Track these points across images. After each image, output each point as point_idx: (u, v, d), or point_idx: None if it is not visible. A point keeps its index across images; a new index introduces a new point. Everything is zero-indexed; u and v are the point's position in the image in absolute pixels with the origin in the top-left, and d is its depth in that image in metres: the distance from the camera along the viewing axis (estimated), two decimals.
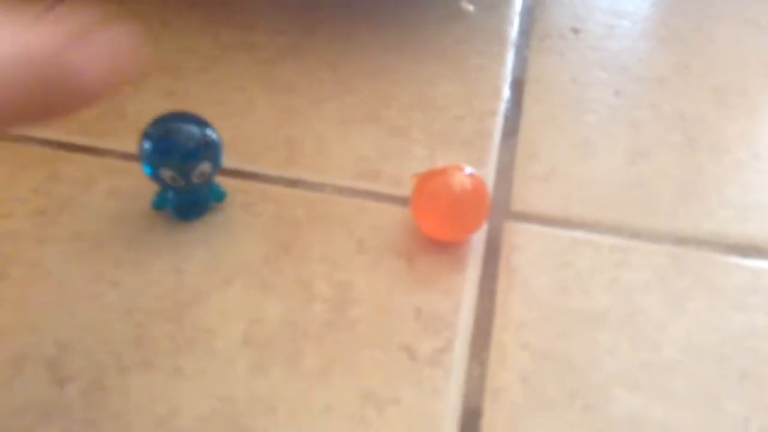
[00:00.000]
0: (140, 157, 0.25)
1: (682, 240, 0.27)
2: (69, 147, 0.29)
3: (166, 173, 0.24)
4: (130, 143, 0.29)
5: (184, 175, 0.24)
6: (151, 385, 0.22)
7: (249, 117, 0.31)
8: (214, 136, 0.25)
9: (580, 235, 0.27)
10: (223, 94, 0.32)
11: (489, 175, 0.29)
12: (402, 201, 0.28)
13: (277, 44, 0.35)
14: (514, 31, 0.37)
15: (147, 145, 0.24)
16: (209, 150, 0.25)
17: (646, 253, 0.26)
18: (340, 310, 0.24)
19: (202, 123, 0.25)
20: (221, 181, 0.27)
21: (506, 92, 0.33)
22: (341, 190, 0.28)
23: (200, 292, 0.24)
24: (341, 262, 0.26)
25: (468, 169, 0.25)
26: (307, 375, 0.22)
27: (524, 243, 0.26)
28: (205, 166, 0.25)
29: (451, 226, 0.26)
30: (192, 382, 0.22)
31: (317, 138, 0.30)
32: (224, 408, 0.21)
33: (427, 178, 0.25)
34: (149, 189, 0.26)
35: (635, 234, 0.27)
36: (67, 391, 0.22)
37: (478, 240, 0.26)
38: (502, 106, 0.32)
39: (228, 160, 0.27)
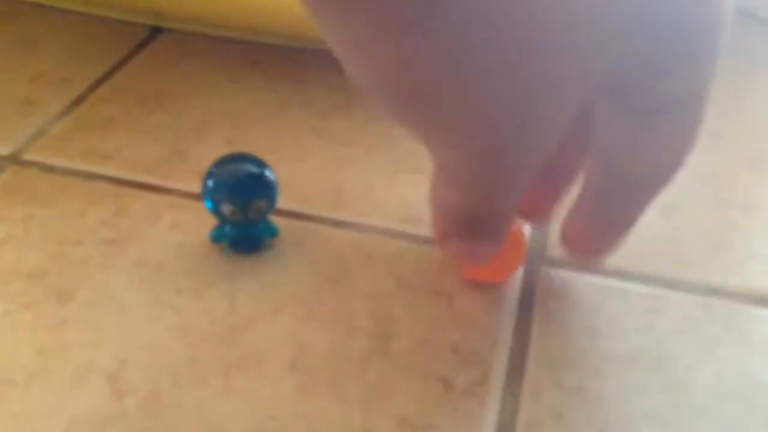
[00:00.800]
0: (203, 193, 0.27)
1: (712, 291, 0.28)
2: (136, 185, 0.32)
3: (227, 208, 0.27)
4: (192, 183, 0.32)
5: (242, 210, 0.27)
6: (204, 401, 0.23)
7: (302, 164, 0.33)
8: (271, 176, 0.27)
9: (612, 282, 0.28)
10: (280, 143, 0.34)
11: (526, 223, 0.30)
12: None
13: (331, 99, 0.37)
14: None
15: (210, 182, 0.27)
16: (266, 188, 0.27)
17: (677, 302, 0.27)
18: (381, 342, 0.25)
19: (261, 164, 0.27)
20: (275, 220, 0.29)
21: None
22: (386, 232, 0.30)
23: (251, 319, 0.26)
24: (384, 298, 0.27)
25: None
26: (348, 400, 0.24)
27: (558, 288, 0.28)
28: (261, 203, 0.27)
29: (491, 269, 0.27)
30: (241, 401, 0.23)
31: (365, 184, 0.32)
32: (271, 426, 0.23)
33: None
34: (208, 224, 0.28)
35: (667, 284, 0.28)
36: (125, 403, 0.23)
37: (514, 283, 0.28)
38: None
39: (282, 202, 0.29)
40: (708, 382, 0.24)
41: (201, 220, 0.30)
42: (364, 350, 0.25)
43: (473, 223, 0.21)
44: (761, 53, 0.43)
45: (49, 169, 0.33)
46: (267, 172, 0.27)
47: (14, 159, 0.33)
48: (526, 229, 0.30)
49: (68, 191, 0.31)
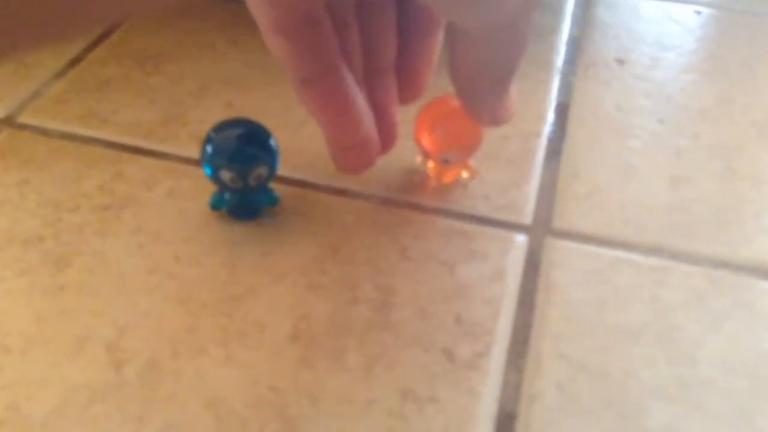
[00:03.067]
0: (202, 159, 0.26)
1: (720, 263, 0.27)
2: (133, 149, 0.31)
3: (226, 174, 0.26)
4: (190, 148, 0.31)
5: (242, 176, 0.26)
6: (203, 371, 0.23)
7: (303, 130, 0.32)
8: (272, 142, 0.26)
9: (619, 254, 0.28)
10: (280, 108, 0.33)
11: (532, 193, 0.30)
12: (446, 213, 0.29)
13: None
14: (560, 59, 0.38)
15: (209, 147, 0.26)
16: (267, 154, 0.26)
17: (684, 274, 0.27)
18: (383, 312, 0.25)
19: (261, 129, 0.26)
20: (275, 187, 0.28)
21: (551, 116, 0.34)
22: (388, 201, 0.29)
23: (251, 288, 0.26)
24: (385, 267, 0.27)
25: None
26: (350, 370, 0.23)
27: (564, 259, 0.27)
28: (262, 170, 0.26)
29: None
30: (241, 371, 0.23)
31: None
32: (271, 396, 0.23)
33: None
34: (207, 191, 0.28)
35: (674, 255, 0.28)
36: (123, 372, 0.23)
37: (518, 254, 0.27)
38: (547, 129, 0.33)
39: (282, 169, 0.28)
40: (715, 356, 0.24)
41: (200, 186, 0.29)
42: (366, 320, 0.25)
43: None
44: None
45: (45, 132, 0.32)
46: (268, 138, 0.26)
47: (9, 122, 0.32)
48: (532, 199, 0.29)
49: (64, 155, 0.31)
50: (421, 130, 0.28)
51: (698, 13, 0.43)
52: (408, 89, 0.28)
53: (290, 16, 0.23)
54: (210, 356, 0.23)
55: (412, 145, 0.30)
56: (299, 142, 0.31)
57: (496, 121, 0.26)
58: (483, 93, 0.25)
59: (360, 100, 0.25)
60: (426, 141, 0.28)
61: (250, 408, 0.22)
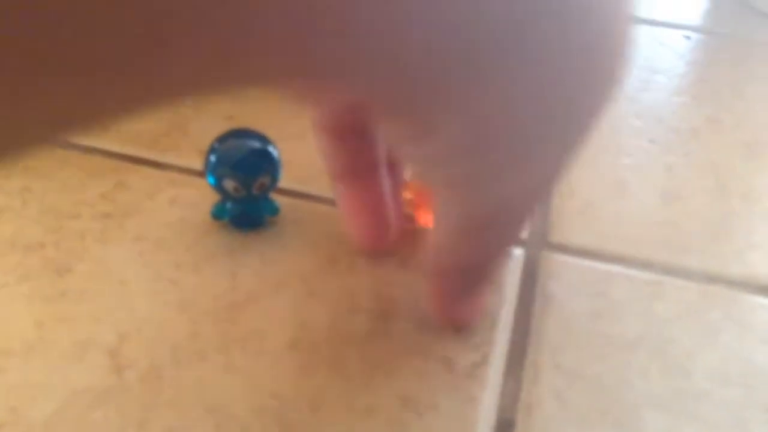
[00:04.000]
0: (205, 168, 0.27)
1: (712, 278, 0.28)
2: (135, 160, 0.31)
3: (229, 183, 0.26)
4: (192, 159, 0.31)
5: (245, 185, 0.26)
6: (204, 377, 0.23)
7: (303, 142, 0.32)
8: (275, 152, 0.27)
9: (614, 268, 0.28)
10: (281, 120, 0.34)
11: None
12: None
13: None
14: None
15: (213, 157, 0.26)
16: (270, 164, 0.27)
17: (677, 288, 0.27)
18: (382, 322, 0.25)
19: (264, 139, 0.27)
20: (276, 198, 0.29)
21: None
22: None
23: (252, 296, 0.26)
24: (385, 277, 0.27)
25: None
26: (350, 378, 0.24)
27: (560, 272, 0.28)
28: (265, 179, 0.27)
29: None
30: (242, 378, 0.23)
31: None
32: (272, 403, 0.23)
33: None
34: (208, 200, 0.28)
35: (667, 270, 0.28)
36: (124, 377, 0.23)
37: (515, 267, 0.28)
38: None
39: (283, 180, 0.29)
40: (709, 367, 0.25)
41: (201, 196, 0.29)
42: (366, 329, 0.25)
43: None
44: (759, 43, 0.44)
45: None
46: (271, 148, 0.27)
47: None
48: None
49: (67, 164, 0.31)
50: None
51: (687, 38, 0.44)
52: None
53: (336, 120, 0.23)
54: (211, 363, 0.24)
55: None
56: (299, 154, 0.32)
57: (450, 321, 0.25)
58: (446, 285, 0.23)
59: (387, 199, 0.26)
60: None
61: (250, 414, 0.22)
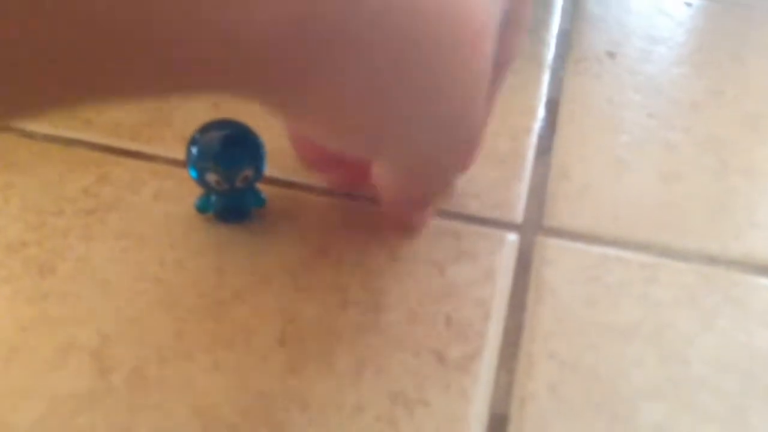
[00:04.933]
0: (187, 162, 0.26)
1: (711, 259, 0.27)
2: (117, 151, 0.31)
3: (212, 177, 0.25)
4: (176, 149, 0.30)
5: (228, 179, 0.26)
6: (191, 377, 0.23)
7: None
8: (259, 142, 0.26)
9: (610, 251, 0.27)
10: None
11: (522, 191, 0.29)
12: (435, 212, 0.28)
13: None
14: (550, 53, 0.37)
15: (194, 150, 0.25)
16: (253, 155, 0.26)
17: (675, 271, 0.27)
18: (372, 314, 0.25)
19: (247, 130, 0.26)
20: (262, 188, 0.28)
21: (541, 111, 0.33)
22: (376, 201, 0.29)
23: (239, 292, 0.25)
24: (375, 268, 0.26)
25: None
26: (339, 374, 0.23)
27: (555, 258, 0.27)
28: (248, 171, 0.26)
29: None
30: (229, 377, 0.23)
31: None
32: (259, 402, 0.22)
33: None
34: (193, 192, 0.27)
35: (665, 252, 0.27)
36: (109, 380, 0.23)
37: (509, 253, 0.27)
38: (537, 125, 0.33)
39: (269, 170, 0.28)
40: (707, 354, 0.24)
41: (186, 189, 0.28)
42: (355, 323, 0.25)
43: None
44: (763, 10, 0.42)
45: (28, 134, 0.31)
46: (254, 139, 0.26)
47: None
48: (522, 197, 0.29)
49: (48, 158, 0.30)
50: None
51: (688, 4, 0.43)
52: None
53: None
54: (197, 362, 0.23)
55: None
56: (286, 143, 0.31)
57: (405, 228, 0.27)
58: (399, 203, 0.25)
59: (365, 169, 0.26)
60: None
61: (238, 415, 0.22)
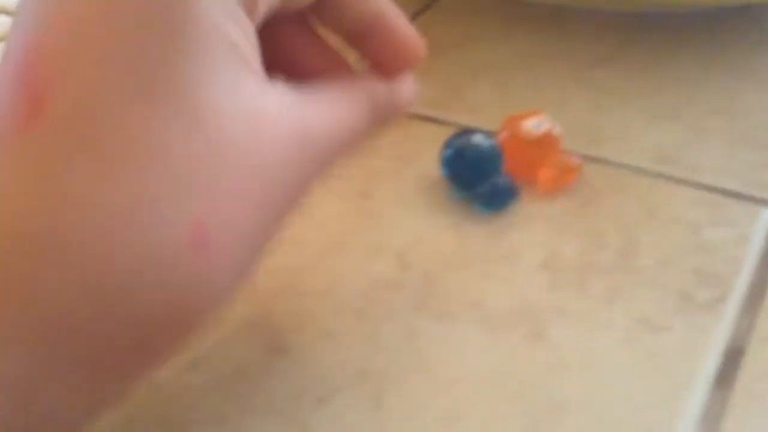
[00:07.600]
0: (441, 165, 0.32)
1: None
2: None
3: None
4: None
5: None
6: (467, 281, 0.28)
7: (563, 108, 0.36)
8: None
9: None
10: (543, 93, 0.38)
11: None
12: (696, 185, 0.31)
13: (595, 51, 0.40)
14: None
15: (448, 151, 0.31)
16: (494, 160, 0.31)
17: None
18: (625, 258, 0.28)
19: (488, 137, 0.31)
20: None
21: None
22: (638, 170, 0.32)
23: (509, 227, 0.30)
24: (631, 223, 0.30)
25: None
26: (593, 297, 0.27)
27: None
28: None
29: None
30: (499, 285, 0.28)
31: (622, 127, 0.35)
32: (524, 307, 0.27)
33: None
34: None
35: None
36: (408, 273, 0.29)
37: (763, 225, 0.29)
38: None
39: None
40: None
41: None
42: (610, 262, 0.28)
43: None
44: None
45: None
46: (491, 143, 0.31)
47: None
48: None
49: None
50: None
51: None
52: None
53: None
54: (473, 271, 0.28)
55: (667, 126, 0.33)
56: (557, 119, 0.36)
57: None
58: None
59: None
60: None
61: (508, 314, 0.27)
